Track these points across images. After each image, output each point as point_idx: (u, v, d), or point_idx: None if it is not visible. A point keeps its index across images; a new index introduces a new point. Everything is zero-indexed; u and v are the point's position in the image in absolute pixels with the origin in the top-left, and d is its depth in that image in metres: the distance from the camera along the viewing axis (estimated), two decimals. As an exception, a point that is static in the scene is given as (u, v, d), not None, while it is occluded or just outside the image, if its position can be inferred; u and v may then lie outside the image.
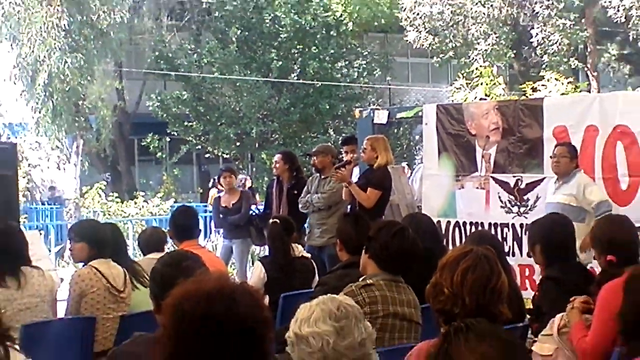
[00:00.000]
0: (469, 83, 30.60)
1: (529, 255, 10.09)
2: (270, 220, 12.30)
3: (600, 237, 8.20)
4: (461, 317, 4.96)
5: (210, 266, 6.18)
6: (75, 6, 34.19)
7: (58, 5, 33.65)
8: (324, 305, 4.39)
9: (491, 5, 31.99)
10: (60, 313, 9.04)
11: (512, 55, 33.74)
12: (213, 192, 17.91)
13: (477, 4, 32.04)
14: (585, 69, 34.24)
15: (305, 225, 14.62)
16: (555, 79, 29.43)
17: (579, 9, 32.97)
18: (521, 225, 12.78)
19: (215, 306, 3.87)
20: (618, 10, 30.80)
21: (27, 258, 8.74)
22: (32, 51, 34.08)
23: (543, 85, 28.41)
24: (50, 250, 17.22)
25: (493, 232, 13.25)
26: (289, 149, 23.46)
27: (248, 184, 24.91)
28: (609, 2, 31.09)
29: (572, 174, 11.78)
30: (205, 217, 20.67)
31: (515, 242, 13.07)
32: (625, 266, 6.81)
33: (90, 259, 9.05)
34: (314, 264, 11.54)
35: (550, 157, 12.55)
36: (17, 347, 4.13)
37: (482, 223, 13.93)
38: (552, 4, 31.97)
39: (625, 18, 31.46)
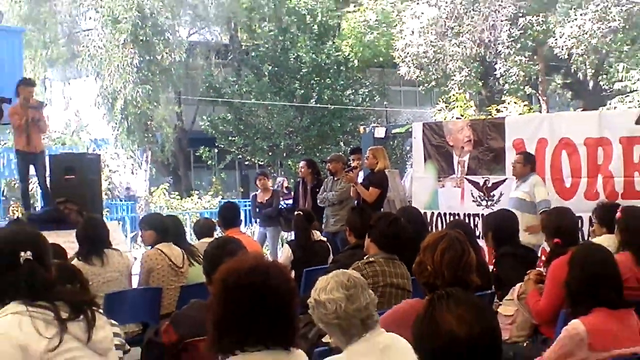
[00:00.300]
0: (448, 106, 30.59)
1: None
2: (295, 212, 12.33)
3: (549, 224, 8.26)
4: (442, 287, 4.95)
5: (249, 248, 6.19)
6: (144, 48, 34.28)
7: (131, 48, 33.78)
8: (337, 278, 4.40)
9: (464, 46, 31.92)
10: (134, 285, 9.08)
11: (481, 84, 33.68)
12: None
13: (453, 45, 31.96)
14: (537, 94, 34.17)
15: (323, 216, 14.60)
16: (514, 102, 29.42)
17: (532, 49, 32.93)
18: (489, 215, 12.73)
19: (253, 279, 3.90)
20: (562, 49, 30.76)
21: (109, 242, 8.79)
22: (111, 83, 34.27)
23: (505, 107, 28.39)
24: (126, 236, 17.24)
25: (467, 220, 13.26)
26: (310, 157, 23.31)
27: (285, 184, 24.72)
28: (555, 42, 31.02)
29: (528, 176, 11.75)
30: (245, 210, 20.63)
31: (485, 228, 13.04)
32: (568, 247, 6.79)
33: (156, 243, 9.10)
34: (329, 245, 11.57)
35: (511, 163, 12.58)
36: (101, 311, 4.14)
37: (458, 214, 13.91)
38: (512, 44, 31.91)
39: (567, 55, 31.39)
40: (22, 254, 4.03)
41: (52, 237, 5.61)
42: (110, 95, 34.85)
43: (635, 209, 8.35)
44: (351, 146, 28.56)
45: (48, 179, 14.64)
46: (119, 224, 17.86)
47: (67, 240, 9.49)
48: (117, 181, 35.52)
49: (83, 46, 35.71)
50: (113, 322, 4.37)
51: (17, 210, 15.46)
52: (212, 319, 3.96)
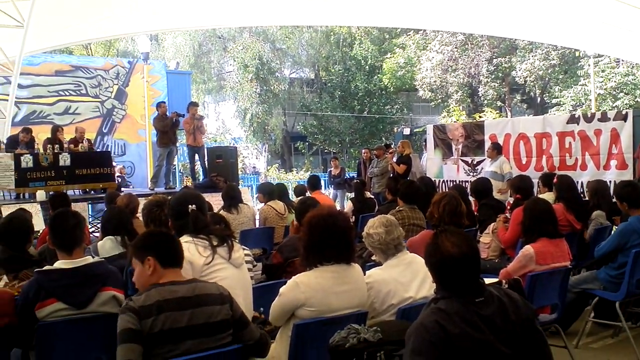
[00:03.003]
0: (448, 114, 30.35)
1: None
2: (354, 181, 12.35)
3: (514, 185, 8.29)
4: (443, 226, 4.95)
5: (325, 203, 6.22)
6: (263, 83, 34.59)
7: (255, 82, 33.99)
8: (380, 220, 4.38)
9: (459, 77, 31.68)
10: (257, 225, 9.10)
11: (469, 101, 33.36)
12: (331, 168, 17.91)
13: (452, 77, 31.74)
14: (505, 106, 33.73)
15: (371, 183, 14.60)
16: (490, 111, 29.13)
17: (501, 78, 32.53)
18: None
19: (327, 220, 3.90)
20: (520, 78, 30.48)
21: (242, 200, 8.83)
22: (243, 104, 34.58)
23: (484, 114, 28.10)
24: (252, 197, 17.35)
25: (462, 184, 13.15)
26: (365, 147, 23.24)
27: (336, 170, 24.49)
28: (516, 74, 30.70)
29: (497, 158, 11.67)
30: (324, 179, 20.61)
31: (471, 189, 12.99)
32: (524, 200, 6.71)
33: (267, 200, 9.10)
34: (375, 201, 11.56)
35: (486, 149, 12.50)
36: (237, 240, 4.19)
37: (455, 181, 13.81)
38: (488, 75, 31.60)
39: (524, 81, 31.07)
40: (190, 206, 4.10)
41: (208, 197, 5.69)
42: (243, 112, 35.25)
43: (566, 176, 8.27)
44: (388, 141, 28.61)
45: (206, 162, 14.82)
46: (248, 189, 17.98)
47: (217, 199, 9.61)
48: (247, 163, 35.80)
49: (226, 82, 36.13)
50: (244, 247, 4.40)
51: (187, 181, 15.59)
52: (303, 245, 3.97)
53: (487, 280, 3.18)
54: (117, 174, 16.90)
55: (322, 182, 15.65)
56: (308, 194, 10.12)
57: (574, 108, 28.45)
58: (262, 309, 4.22)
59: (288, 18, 20.63)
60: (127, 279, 4.32)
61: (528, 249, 5.37)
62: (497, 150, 11.92)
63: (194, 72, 33.54)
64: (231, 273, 3.96)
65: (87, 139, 14.34)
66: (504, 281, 5.14)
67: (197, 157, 14.95)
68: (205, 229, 4.07)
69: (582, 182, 10.94)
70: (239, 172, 18.50)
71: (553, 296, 5.37)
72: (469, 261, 2.89)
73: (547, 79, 31.83)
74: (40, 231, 8.05)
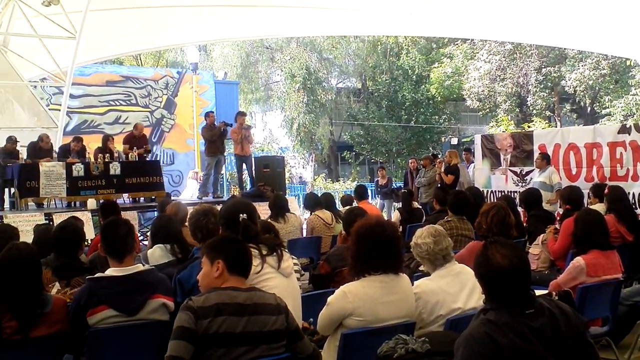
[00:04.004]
0: (497, 124, 30.03)
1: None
2: (401, 191, 12.31)
3: (564, 196, 8.18)
4: (492, 237, 4.92)
5: (373, 213, 6.19)
6: (310, 92, 34.61)
7: (302, 92, 34.09)
8: (428, 230, 4.38)
9: (507, 87, 31.32)
10: (304, 235, 9.12)
11: (517, 110, 32.94)
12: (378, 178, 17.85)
13: (500, 86, 31.41)
14: (554, 116, 33.25)
15: (419, 193, 14.53)
16: (539, 121, 28.76)
17: (550, 87, 32.04)
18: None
19: (375, 230, 3.91)
20: (570, 88, 30.01)
21: (288, 209, 8.85)
22: (290, 114, 34.71)
23: (533, 124, 27.74)
24: (299, 206, 17.38)
25: (510, 194, 13.01)
26: (412, 156, 23.11)
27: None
28: (566, 83, 30.27)
29: (546, 168, 11.57)
30: (371, 189, 20.52)
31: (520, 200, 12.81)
32: (575, 211, 6.62)
33: (313, 210, 9.12)
34: (423, 211, 11.50)
35: (535, 159, 12.40)
36: (286, 250, 4.21)
37: (504, 191, 13.64)
38: (537, 85, 31.18)
39: (573, 91, 30.60)
40: (241, 215, 4.14)
41: (255, 206, 5.70)
42: (290, 121, 35.37)
43: (617, 187, 8.16)
44: (436, 151, 28.45)
45: (253, 171, 14.89)
46: (295, 198, 18.00)
47: (264, 208, 9.67)
48: (294, 172, 35.90)
49: (273, 92, 36.37)
50: (293, 257, 4.42)
51: (235, 190, 15.71)
52: (351, 255, 3.98)
53: (537, 292, 3.15)
54: (198, 181, 17.00)
55: (369, 192, 15.61)
56: (355, 203, 10.13)
57: (625, 118, 27.90)
58: (311, 319, 4.23)
59: (335, 28, 20.71)
60: (176, 287, 4.37)
61: (579, 260, 5.30)
62: (546, 160, 11.81)
63: (242, 82, 33.81)
64: (280, 282, 3.98)
65: (143, 134, 14.76)
66: (554, 293, 5.08)
67: (244, 166, 15.03)
68: (255, 238, 4.09)
69: (633, 193, 10.72)
70: (286, 182, 18.55)
71: (604, 309, 5.29)
72: (519, 273, 2.88)
73: (597, 88, 31.31)
74: (91, 239, 8.20)
